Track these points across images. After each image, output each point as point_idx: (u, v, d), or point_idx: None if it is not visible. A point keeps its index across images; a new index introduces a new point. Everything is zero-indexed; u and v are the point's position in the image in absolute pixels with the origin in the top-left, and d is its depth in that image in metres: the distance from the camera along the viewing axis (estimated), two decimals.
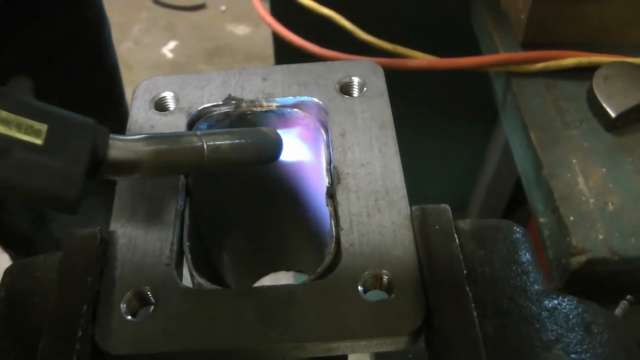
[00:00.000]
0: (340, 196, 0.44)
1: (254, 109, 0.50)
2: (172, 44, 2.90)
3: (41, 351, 0.37)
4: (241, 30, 2.94)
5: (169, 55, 2.86)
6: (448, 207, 0.42)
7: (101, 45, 1.00)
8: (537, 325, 0.39)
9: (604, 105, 0.76)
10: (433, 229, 0.41)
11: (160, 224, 0.44)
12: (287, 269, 0.64)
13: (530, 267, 0.41)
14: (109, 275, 0.41)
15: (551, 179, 0.72)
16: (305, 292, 0.39)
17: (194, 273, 0.42)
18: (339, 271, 0.40)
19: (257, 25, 2.89)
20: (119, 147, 0.41)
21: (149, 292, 0.40)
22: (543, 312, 0.39)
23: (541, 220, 0.73)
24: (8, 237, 1.13)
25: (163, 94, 0.51)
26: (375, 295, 0.39)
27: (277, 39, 1.17)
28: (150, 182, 0.46)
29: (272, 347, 0.38)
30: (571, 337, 0.38)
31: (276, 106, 0.50)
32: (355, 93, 0.50)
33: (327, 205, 0.45)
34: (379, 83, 0.50)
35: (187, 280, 0.42)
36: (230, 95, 0.50)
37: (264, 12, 1.00)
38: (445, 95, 1.29)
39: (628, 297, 0.66)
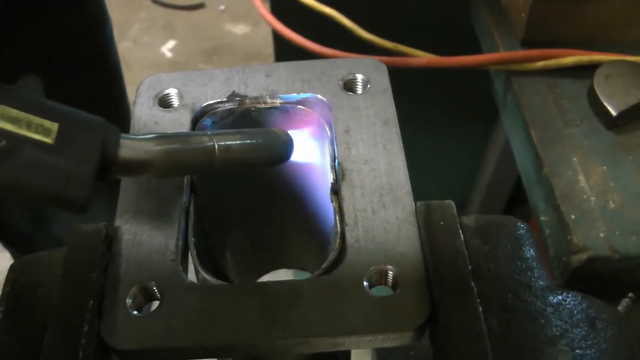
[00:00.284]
0: (344, 192, 0.44)
1: (258, 106, 0.50)
2: (171, 44, 2.90)
3: (47, 345, 0.37)
4: (240, 29, 2.94)
5: (168, 54, 2.86)
6: (452, 203, 0.43)
7: (103, 43, 1.01)
8: (542, 321, 0.39)
9: (605, 103, 0.76)
10: (438, 225, 0.41)
11: (165, 220, 0.44)
12: (289, 267, 0.64)
13: (534, 263, 0.41)
14: (114, 270, 0.41)
15: (552, 178, 0.72)
16: (310, 287, 0.40)
17: (200, 268, 0.42)
18: (344, 267, 0.40)
19: (256, 25, 2.89)
20: (130, 146, 0.41)
21: (154, 288, 0.40)
22: (547, 308, 0.40)
23: (542, 218, 0.74)
24: (8, 235, 1.13)
25: (167, 91, 0.51)
26: (380, 291, 0.40)
27: (278, 38, 1.17)
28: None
29: (277, 343, 0.38)
30: (576, 332, 0.39)
31: (280, 103, 0.50)
32: (359, 90, 0.50)
33: (332, 201, 0.45)
34: (383, 80, 0.51)
35: (191, 276, 0.43)
36: (234, 92, 0.50)
37: (264, 10, 1.00)
38: (446, 93, 1.30)
39: (630, 294, 0.66)
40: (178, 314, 0.39)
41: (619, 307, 0.65)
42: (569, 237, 0.67)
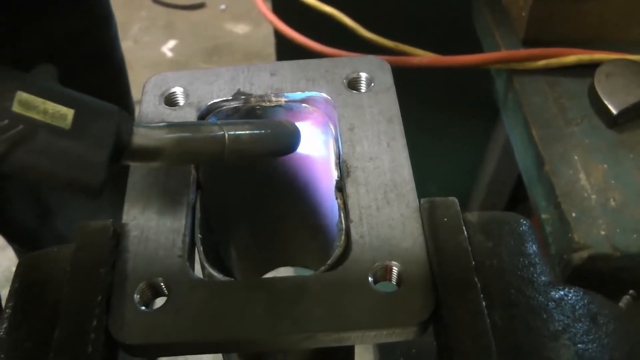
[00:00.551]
0: (349, 189, 0.45)
1: (263, 104, 0.51)
2: (171, 43, 2.91)
3: (57, 340, 0.37)
4: (240, 29, 2.95)
5: (169, 54, 2.86)
6: (456, 200, 0.43)
7: (108, 42, 1.01)
8: (544, 316, 0.39)
9: (606, 102, 0.77)
10: (441, 221, 0.42)
11: (172, 216, 0.44)
12: (293, 264, 0.65)
13: (537, 259, 0.42)
14: (122, 267, 0.42)
15: (553, 176, 0.73)
16: (316, 283, 0.40)
17: (206, 264, 0.43)
18: (349, 263, 0.41)
19: (257, 24, 2.90)
20: (142, 134, 0.42)
21: (161, 284, 0.41)
22: (550, 303, 0.40)
23: (543, 216, 0.74)
24: (13, 230, 1.14)
25: (173, 89, 0.51)
26: (384, 286, 0.40)
27: (279, 37, 1.17)
28: (162, 175, 0.46)
29: (283, 338, 0.39)
30: (578, 327, 0.39)
31: (285, 101, 0.51)
32: (363, 88, 0.51)
33: (337, 198, 0.45)
34: (386, 78, 0.51)
35: (197, 272, 0.43)
36: (239, 90, 0.51)
37: (265, 10, 1.01)
38: (447, 92, 1.30)
39: (630, 291, 0.67)
40: (185, 309, 0.39)
41: (619, 304, 0.65)
42: (569, 235, 0.68)
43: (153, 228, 0.44)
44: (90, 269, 0.41)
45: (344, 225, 0.43)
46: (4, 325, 0.41)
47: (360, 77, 0.51)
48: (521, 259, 0.42)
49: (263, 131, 0.46)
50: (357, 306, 0.39)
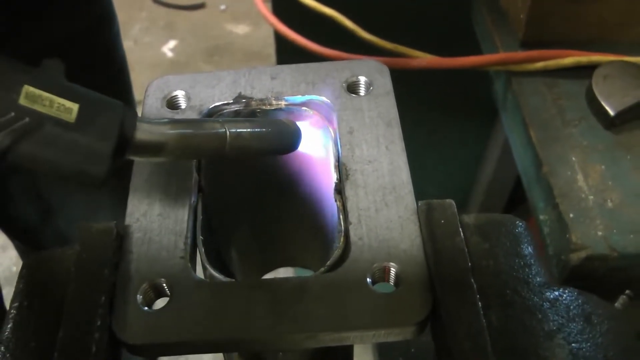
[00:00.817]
0: (348, 192, 0.45)
1: (264, 107, 0.52)
2: (172, 43, 2.91)
3: (61, 339, 0.38)
4: (241, 29, 2.95)
5: (169, 54, 2.87)
6: (453, 202, 0.44)
7: (110, 41, 1.02)
8: (539, 316, 0.40)
9: (603, 103, 0.77)
10: (439, 223, 0.42)
11: (174, 218, 0.45)
12: (294, 265, 0.65)
13: (532, 260, 0.43)
14: (125, 268, 0.42)
15: (551, 177, 0.73)
16: (316, 284, 0.41)
17: (207, 265, 0.43)
18: (348, 264, 0.42)
19: (257, 24, 2.91)
20: (146, 129, 0.43)
21: (164, 284, 0.41)
22: (545, 303, 0.41)
23: (541, 217, 0.75)
24: (15, 227, 1.14)
25: (175, 93, 0.52)
26: (383, 287, 0.41)
27: (279, 38, 1.18)
28: (164, 178, 0.47)
29: (285, 338, 0.39)
30: (572, 327, 0.40)
31: (285, 104, 0.52)
32: (362, 92, 0.52)
33: (336, 200, 0.46)
34: (385, 82, 0.52)
35: (199, 273, 0.44)
36: (240, 93, 0.52)
37: (265, 11, 1.01)
38: (446, 94, 1.30)
39: (627, 291, 0.67)
40: (187, 309, 0.40)
41: (616, 304, 0.66)
42: (567, 235, 0.68)
43: (155, 230, 0.44)
44: (94, 270, 0.41)
45: (343, 227, 0.44)
46: (9, 325, 0.41)
47: (359, 81, 0.52)
48: (517, 260, 0.42)
49: (264, 129, 0.47)
50: (356, 306, 0.40)
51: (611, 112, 0.77)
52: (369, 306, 0.39)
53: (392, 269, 0.41)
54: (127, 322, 0.40)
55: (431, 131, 1.44)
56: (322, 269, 0.42)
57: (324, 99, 0.51)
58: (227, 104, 0.51)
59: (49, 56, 0.42)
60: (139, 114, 0.51)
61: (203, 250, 0.45)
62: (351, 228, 0.43)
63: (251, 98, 0.51)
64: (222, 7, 3.06)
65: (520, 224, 0.44)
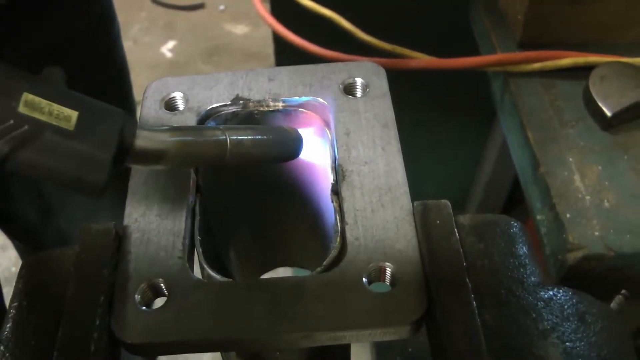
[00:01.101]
0: (345, 192, 0.46)
1: (261, 109, 0.52)
2: (171, 44, 2.92)
3: (61, 339, 0.38)
4: (240, 29, 2.96)
5: (168, 54, 2.87)
6: (448, 203, 0.44)
7: (111, 42, 1.02)
8: (534, 315, 0.40)
9: (600, 104, 0.78)
10: (434, 224, 0.43)
11: (172, 219, 0.45)
12: (291, 265, 0.66)
13: (527, 260, 0.43)
14: (123, 268, 0.43)
15: (548, 177, 0.74)
16: (313, 284, 0.41)
17: (205, 265, 0.44)
18: (344, 264, 0.42)
19: (256, 25, 2.91)
20: (146, 136, 0.43)
21: (162, 284, 0.42)
22: (539, 303, 0.41)
23: (538, 217, 0.75)
24: (16, 228, 1.15)
25: (173, 94, 0.52)
26: (379, 287, 0.41)
27: (278, 39, 1.18)
28: (162, 179, 0.47)
29: (283, 337, 0.40)
30: (566, 326, 0.40)
31: (282, 106, 0.52)
32: (359, 93, 0.52)
33: (332, 201, 0.46)
34: (382, 84, 0.52)
35: (197, 274, 0.44)
36: (238, 95, 0.52)
37: (264, 12, 1.01)
38: (444, 95, 1.31)
39: (623, 291, 0.68)
40: (185, 309, 0.40)
41: (612, 304, 0.66)
42: (564, 235, 0.68)
43: (154, 230, 0.45)
44: (93, 270, 0.42)
45: (339, 228, 0.45)
46: (9, 325, 0.42)
47: (356, 83, 0.52)
48: (512, 260, 0.43)
49: (265, 137, 0.47)
50: (352, 306, 0.40)
51: (608, 113, 0.77)
52: (365, 306, 0.40)
53: (388, 269, 0.41)
54: (126, 321, 0.40)
55: (429, 132, 1.45)
56: (319, 269, 0.43)
57: (320, 100, 0.51)
58: (225, 105, 0.52)
59: (50, 56, 0.42)
60: (138, 115, 0.51)
61: (201, 250, 0.45)
62: (347, 228, 0.44)
63: (249, 99, 0.52)
64: (221, 7, 3.06)
65: (515, 224, 0.45)
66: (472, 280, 0.40)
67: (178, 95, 0.52)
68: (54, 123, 0.39)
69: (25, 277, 0.44)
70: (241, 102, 0.52)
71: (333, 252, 0.43)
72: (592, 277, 0.68)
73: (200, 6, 3.07)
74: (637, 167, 0.74)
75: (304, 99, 0.52)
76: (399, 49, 0.91)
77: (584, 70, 0.82)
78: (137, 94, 1.12)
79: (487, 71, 0.91)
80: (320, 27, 0.94)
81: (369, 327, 0.39)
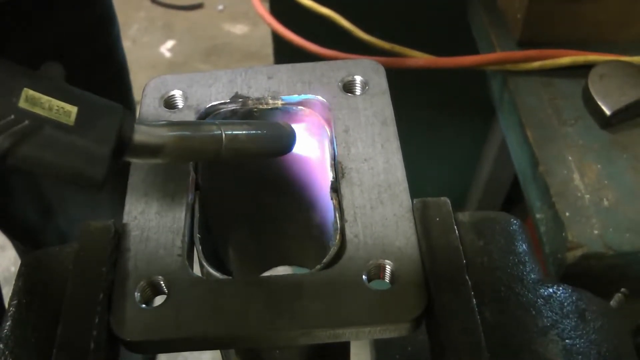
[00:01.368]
0: (344, 190, 0.46)
1: (260, 107, 0.52)
2: (170, 43, 2.92)
3: (60, 336, 0.38)
4: (239, 29, 2.96)
5: (167, 54, 2.87)
6: (448, 200, 0.44)
7: (111, 42, 1.02)
8: (533, 312, 0.40)
9: (599, 103, 0.78)
10: (434, 221, 0.43)
11: (172, 216, 0.45)
12: (290, 263, 0.66)
13: (526, 257, 0.43)
14: (123, 265, 0.43)
15: (547, 176, 0.74)
16: (312, 281, 0.41)
17: (205, 263, 0.44)
18: (344, 261, 0.42)
19: (255, 24, 2.91)
20: (144, 131, 0.43)
21: (161, 282, 0.42)
22: (539, 300, 0.41)
23: (538, 216, 0.75)
24: (15, 227, 1.15)
25: (172, 92, 0.52)
26: (378, 284, 0.41)
27: (277, 38, 1.18)
28: (161, 177, 0.47)
29: (282, 334, 0.40)
30: (566, 323, 0.40)
31: (281, 104, 0.52)
32: (358, 91, 0.52)
33: (332, 198, 0.46)
34: (381, 81, 0.52)
35: (196, 271, 0.44)
36: (237, 93, 0.52)
37: (263, 11, 1.01)
38: (443, 93, 1.31)
39: (622, 289, 0.68)
40: (185, 306, 0.40)
41: (611, 302, 0.66)
42: (563, 234, 0.68)
43: (153, 228, 0.45)
44: (92, 267, 0.42)
45: (339, 225, 0.44)
46: (8, 323, 0.42)
47: (355, 80, 0.52)
48: (511, 257, 0.43)
49: (259, 131, 0.47)
50: (351, 303, 0.40)
51: (607, 112, 0.77)
52: (365, 303, 0.40)
53: (387, 266, 0.41)
54: (125, 319, 0.40)
55: (428, 131, 1.45)
56: (318, 267, 0.43)
57: (319, 98, 0.51)
58: (224, 103, 0.52)
59: (50, 56, 0.43)
60: (137, 114, 0.51)
61: (200, 248, 0.45)
62: (347, 226, 0.44)
63: (248, 97, 0.52)
64: (220, 7, 3.06)
65: (515, 221, 0.45)
66: (472, 278, 0.40)
67: (177, 93, 0.52)
68: (54, 118, 0.40)
69: (25, 275, 0.44)
70: (240, 100, 0.52)
71: (332, 250, 0.43)
72: (591, 275, 0.68)
73: (199, 6, 3.07)
74: (637, 165, 0.74)
75: (303, 96, 0.52)
76: (398, 48, 0.91)
77: (583, 69, 0.82)
78: (135, 94, 1.12)
79: (486, 70, 0.92)
80: (319, 27, 0.94)
81: (369, 324, 0.39)
